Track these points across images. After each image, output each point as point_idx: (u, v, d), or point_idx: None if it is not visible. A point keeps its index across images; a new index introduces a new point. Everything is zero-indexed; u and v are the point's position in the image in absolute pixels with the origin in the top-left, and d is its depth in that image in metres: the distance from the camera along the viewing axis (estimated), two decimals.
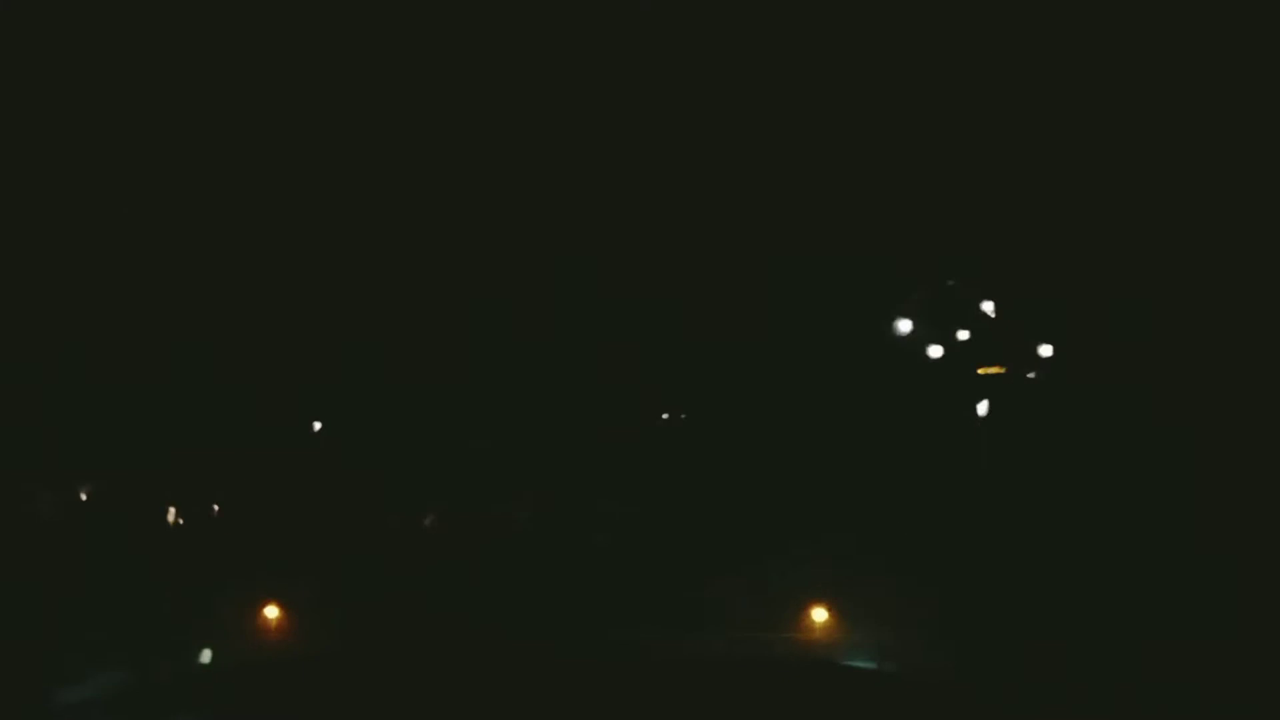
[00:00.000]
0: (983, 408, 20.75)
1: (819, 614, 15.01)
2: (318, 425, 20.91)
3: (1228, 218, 20.70)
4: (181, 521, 18.19)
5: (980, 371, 20.99)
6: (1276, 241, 20.32)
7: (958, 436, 21.24)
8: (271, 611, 14.00)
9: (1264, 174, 20.39)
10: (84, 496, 20.08)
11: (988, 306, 22.79)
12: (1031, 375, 21.24)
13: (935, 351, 21.34)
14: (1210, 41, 20.97)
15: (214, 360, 21.14)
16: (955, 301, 22.06)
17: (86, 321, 21.35)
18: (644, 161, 23.01)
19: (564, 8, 23.12)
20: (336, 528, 18.01)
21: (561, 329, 21.82)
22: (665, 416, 21.90)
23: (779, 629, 15.03)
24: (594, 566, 17.09)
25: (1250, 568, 16.67)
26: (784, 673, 13.83)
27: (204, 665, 13.65)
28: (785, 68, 23.05)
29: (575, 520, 18.28)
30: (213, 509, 18.16)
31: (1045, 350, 21.50)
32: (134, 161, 22.38)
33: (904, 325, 21.23)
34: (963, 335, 21.82)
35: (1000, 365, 20.78)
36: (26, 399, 20.15)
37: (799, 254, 22.39)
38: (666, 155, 22.83)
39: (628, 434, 20.85)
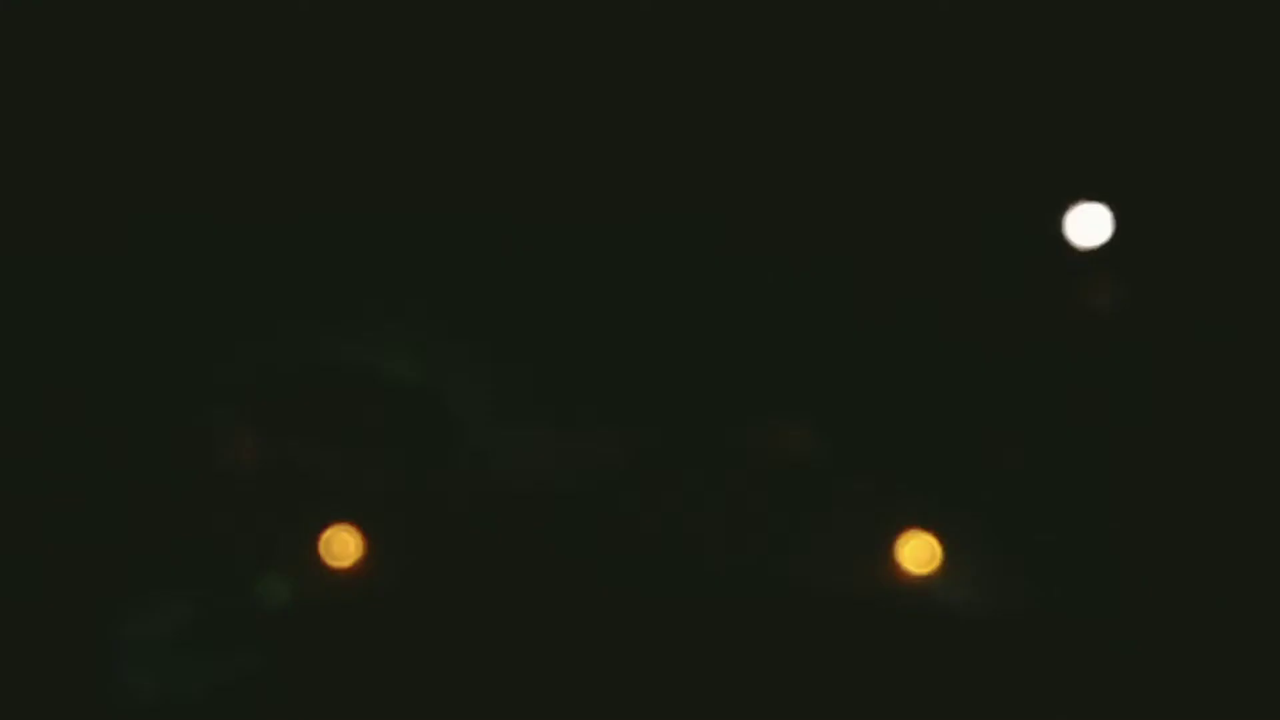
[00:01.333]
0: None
1: (915, 545, 14.19)
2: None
3: None
4: (249, 448, 17.77)
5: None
6: None
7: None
8: (345, 540, 13.47)
9: None
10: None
11: None
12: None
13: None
14: None
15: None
16: None
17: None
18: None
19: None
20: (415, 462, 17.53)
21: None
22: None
23: (868, 561, 14.25)
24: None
25: None
26: (873, 610, 13.08)
27: (274, 596, 13.23)
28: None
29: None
30: (283, 436, 17.74)
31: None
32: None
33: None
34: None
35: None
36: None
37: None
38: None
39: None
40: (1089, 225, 15.01)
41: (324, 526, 14.32)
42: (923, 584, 14.78)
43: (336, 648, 13.07)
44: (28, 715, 11.64)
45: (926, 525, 15.23)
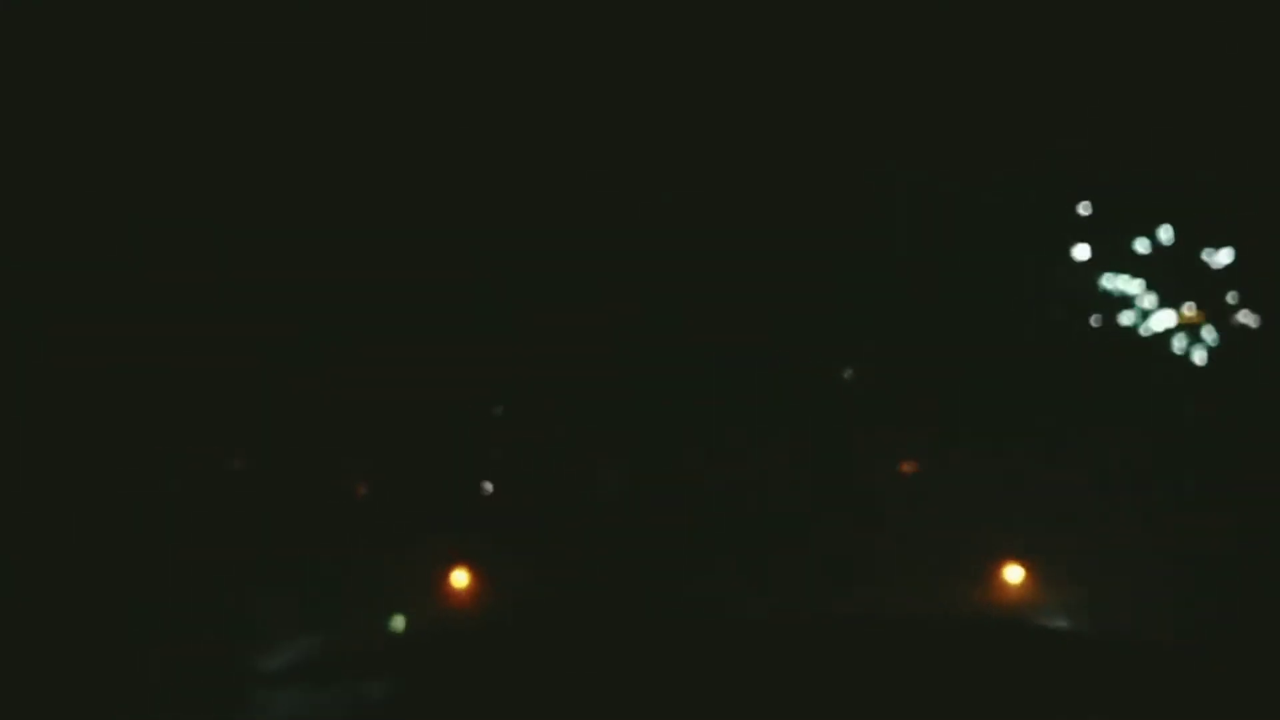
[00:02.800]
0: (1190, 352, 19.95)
1: (1008, 571, 14.42)
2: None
3: None
4: (364, 488, 18.34)
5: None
6: None
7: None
8: (461, 577, 13.90)
9: None
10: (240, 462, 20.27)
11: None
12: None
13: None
14: None
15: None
16: None
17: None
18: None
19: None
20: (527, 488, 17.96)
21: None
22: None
23: (961, 586, 14.48)
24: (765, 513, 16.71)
25: None
26: (969, 634, 13.31)
27: (395, 632, 13.64)
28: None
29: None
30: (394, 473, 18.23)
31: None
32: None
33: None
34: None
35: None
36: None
37: None
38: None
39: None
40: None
41: (444, 564, 14.65)
42: (1018, 609, 14.92)
43: (457, 678, 13.39)
44: None
45: (1022, 555, 15.40)
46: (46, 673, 12.51)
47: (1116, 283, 20.98)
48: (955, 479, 17.26)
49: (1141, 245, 20.80)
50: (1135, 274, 20.74)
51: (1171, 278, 20.78)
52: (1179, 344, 19.53)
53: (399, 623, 13.53)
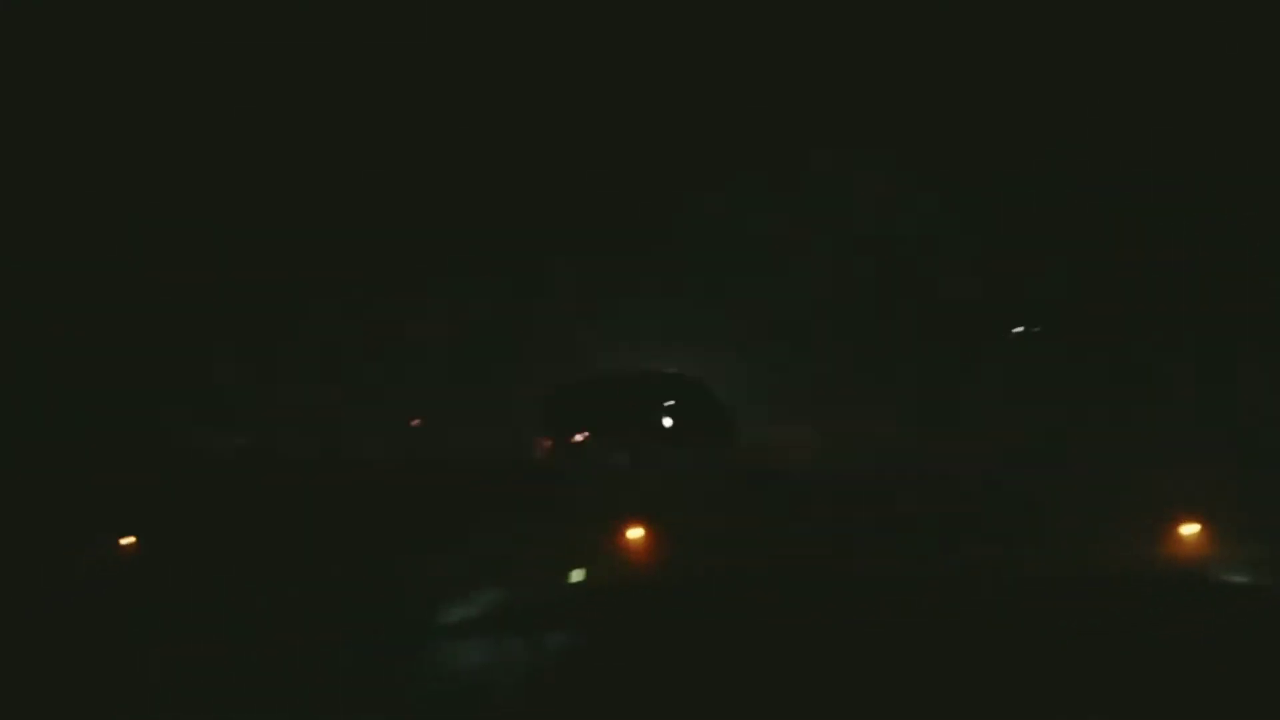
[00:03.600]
0: None
1: (1185, 527, 14.18)
2: None
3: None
4: (545, 445, 18.60)
5: None
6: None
7: None
8: (638, 532, 14.04)
9: None
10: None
11: None
12: None
13: None
14: None
15: None
16: None
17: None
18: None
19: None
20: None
21: None
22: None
23: (1135, 542, 14.27)
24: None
25: None
26: (1146, 590, 13.10)
27: (575, 584, 13.80)
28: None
29: None
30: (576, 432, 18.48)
31: None
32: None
33: None
34: None
35: None
36: None
37: None
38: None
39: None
40: None
41: (621, 521, 14.83)
42: (1196, 568, 14.68)
43: (634, 631, 13.54)
44: (365, 693, 12.32)
45: (1198, 512, 15.16)
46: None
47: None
48: (1130, 435, 17.05)
49: None
50: None
51: None
52: None
53: (577, 576, 13.70)
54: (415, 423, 20.26)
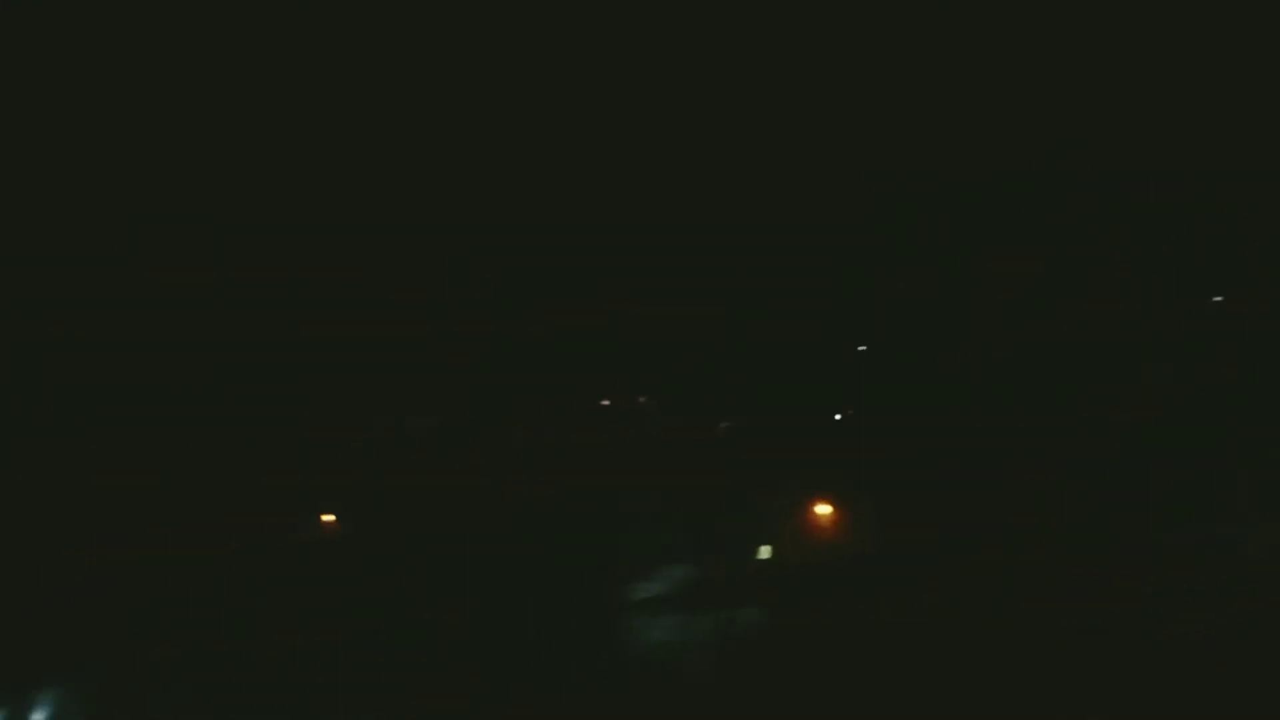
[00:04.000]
0: None
1: None
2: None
3: None
4: (727, 427, 18.83)
5: None
6: None
7: None
8: (825, 509, 14.24)
9: None
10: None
11: None
12: None
13: None
14: None
15: None
16: None
17: None
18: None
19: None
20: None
21: None
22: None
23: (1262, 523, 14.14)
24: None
25: None
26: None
27: (763, 560, 14.06)
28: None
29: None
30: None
31: None
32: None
33: None
34: None
35: None
36: None
37: None
38: None
39: None
40: None
41: (807, 500, 15.02)
42: None
43: (821, 607, 13.70)
44: (565, 658, 12.62)
45: None
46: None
47: None
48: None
49: None
50: None
51: None
52: None
53: (765, 552, 13.95)
54: (605, 403, 20.51)
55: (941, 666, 12.83)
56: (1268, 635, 12.38)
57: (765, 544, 14.16)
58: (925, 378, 19.90)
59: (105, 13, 21.85)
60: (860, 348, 20.08)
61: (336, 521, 17.00)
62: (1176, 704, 12.21)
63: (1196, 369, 19.44)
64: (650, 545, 14.15)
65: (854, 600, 13.53)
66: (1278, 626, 12.38)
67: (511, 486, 16.15)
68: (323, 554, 15.81)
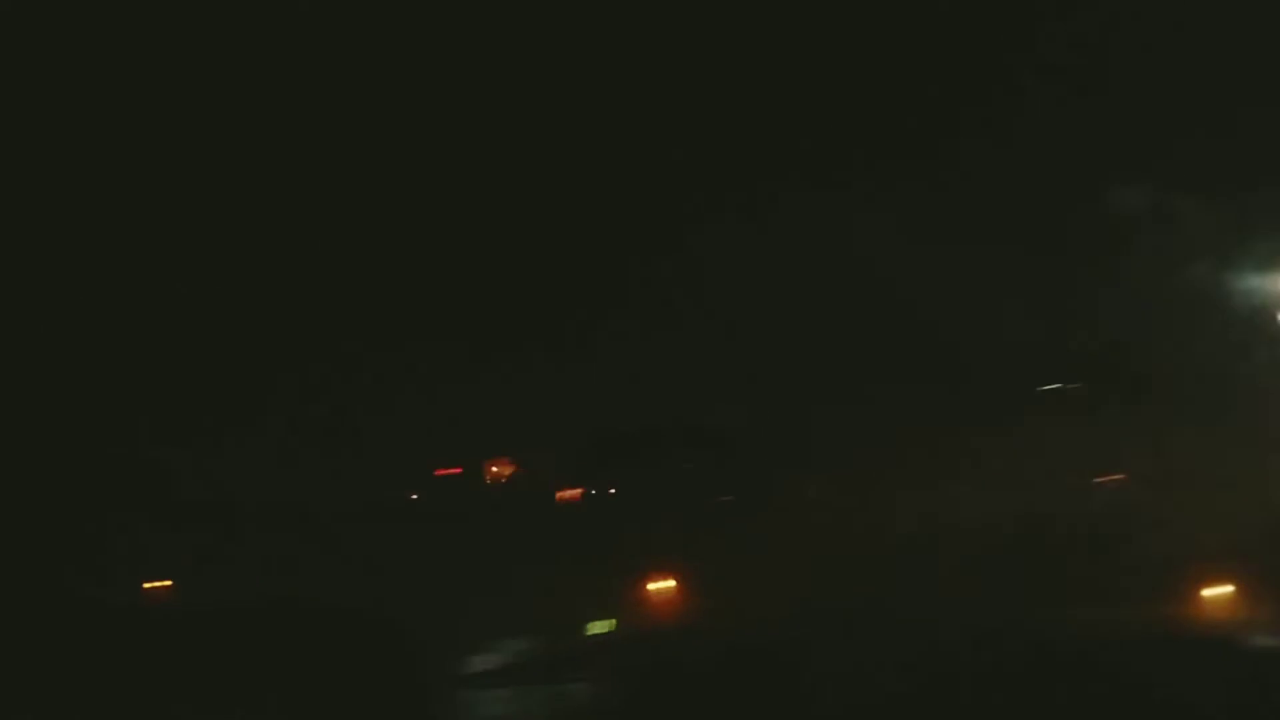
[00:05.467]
0: None
1: (1216, 588, 13.95)
2: None
3: None
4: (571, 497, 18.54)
5: None
6: None
7: None
8: (663, 584, 13.92)
9: None
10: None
11: None
12: None
13: None
14: None
15: None
16: None
17: None
18: None
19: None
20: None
21: None
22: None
23: (1165, 603, 14.06)
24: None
25: None
26: (1177, 651, 12.91)
27: (598, 635, 13.69)
28: None
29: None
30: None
31: None
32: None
33: None
34: None
35: None
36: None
37: None
38: None
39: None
40: None
41: (645, 573, 14.67)
42: (1227, 626, 14.48)
43: (658, 681, 13.34)
44: None
45: (1231, 572, 14.94)
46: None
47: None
48: (1161, 494, 16.84)
49: None
50: None
51: None
52: None
53: (602, 626, 13.60)
54: (441, 473, 20.14)
55: None
56: None
57: (604, 617, 13.81)
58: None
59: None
60: (697, 421, 19.95)
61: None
62: None
63: None
64: (486, 616, 13.75)
65: (691, 675, 13.22)
66: None
67: (349, 557, 15.72)
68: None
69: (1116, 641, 13.07)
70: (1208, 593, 14.21)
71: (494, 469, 21.05)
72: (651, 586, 13.75)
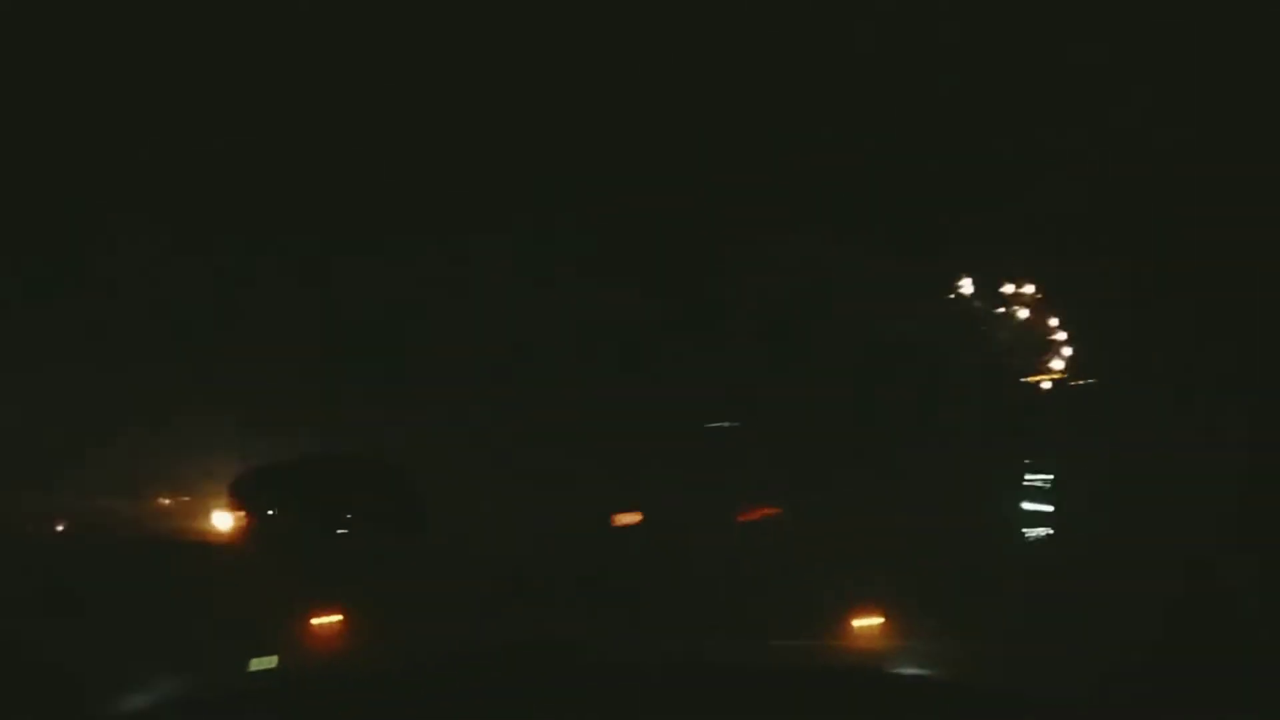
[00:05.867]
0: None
1: (866, 619, 14.41)
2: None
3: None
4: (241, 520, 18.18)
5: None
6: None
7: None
8: (327, 619, 13.72)
9: None
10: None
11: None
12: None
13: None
14: None
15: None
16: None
17: None
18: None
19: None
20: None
21: None
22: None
23: (819, 634, 14.48)
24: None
25: None
26: (827, 682, 13.25)
27: (259, 672, 13.37)
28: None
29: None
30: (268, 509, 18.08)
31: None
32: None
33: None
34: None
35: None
36: None
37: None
38: None
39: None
40: None
41: (312, 610, 14.46)
42: (874, 657, 14.96)
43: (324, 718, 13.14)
44: None
45: (879, 603, 15.49)
46: None
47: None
48: (813, 527, 17.35)
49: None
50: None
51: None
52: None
53: (266, 663, 13.29)
54: (60, 526, 19.40)
55: None
56: None
57: (265, 654, 13.49)
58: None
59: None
60: (368, 457, 19.80)
61: None
62: None
63: None
64: (143, 653, 13.34)
65: (357, 714, 13.03)
66: None
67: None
68: None
69: (761, 673, 13.32)
70: (857, 623, 14.65)
71: (162, 501, 20.58)
72: (315, 621, 13.53)
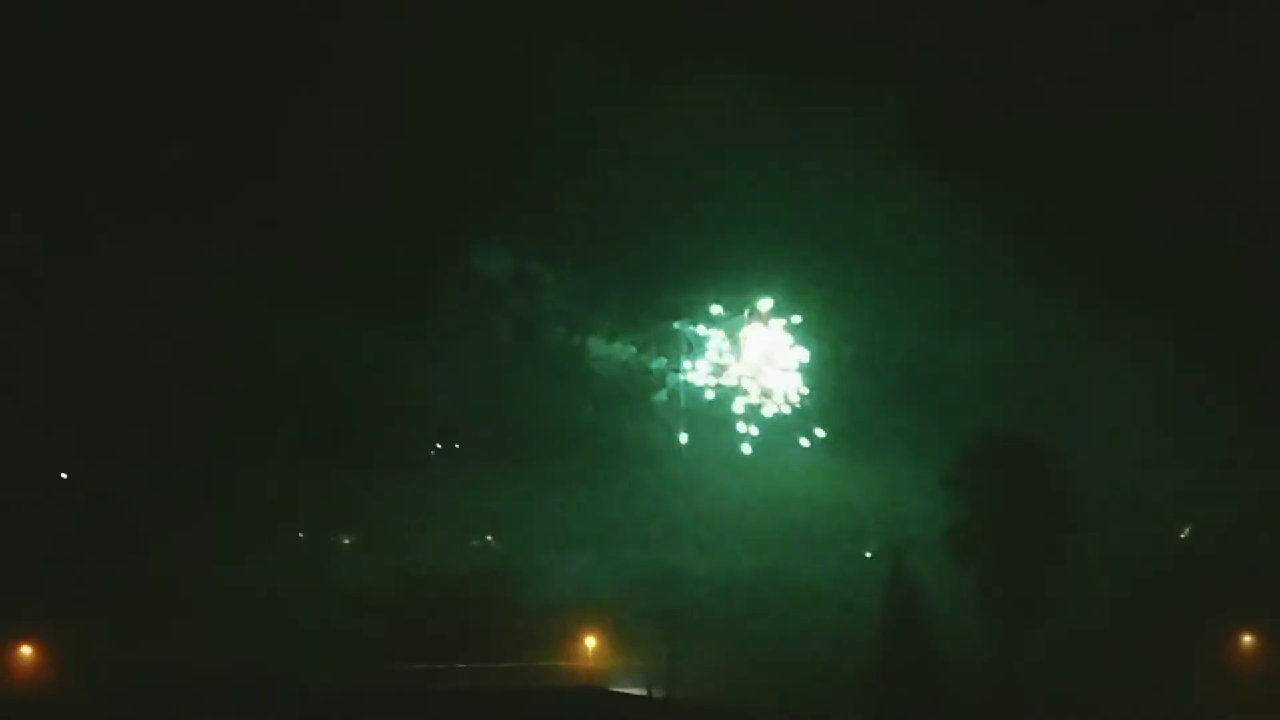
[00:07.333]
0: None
1: (588, 641, 14.34)
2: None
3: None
4: None
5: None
6: None
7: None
8: (26, 651, 13.03)
9: None
10: None
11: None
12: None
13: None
14: None
15: None
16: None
17: None
18: None
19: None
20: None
21: None
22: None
23: (545, 656, 14.41)
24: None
25: None
26: (552, 701, 13.17)
27: None
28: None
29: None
30: None
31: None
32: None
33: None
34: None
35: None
36: None
37: None
38: None
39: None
40: None
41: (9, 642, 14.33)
42: (597, 675, 15.42)
43: None
44: None
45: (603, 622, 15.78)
46: None
47: None
48: (532, 551, 17.16)
49: None
50: None
51: None
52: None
53: None
54: None
55: None
56: None
57: None
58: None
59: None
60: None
61: None
62: None
63: None
64: None
65: None
66: None
67: None
68: None
69: (485, 693, 13.17)
70: (579, 643, 14.58)
71: None
72: (13, 654, 12.85)
